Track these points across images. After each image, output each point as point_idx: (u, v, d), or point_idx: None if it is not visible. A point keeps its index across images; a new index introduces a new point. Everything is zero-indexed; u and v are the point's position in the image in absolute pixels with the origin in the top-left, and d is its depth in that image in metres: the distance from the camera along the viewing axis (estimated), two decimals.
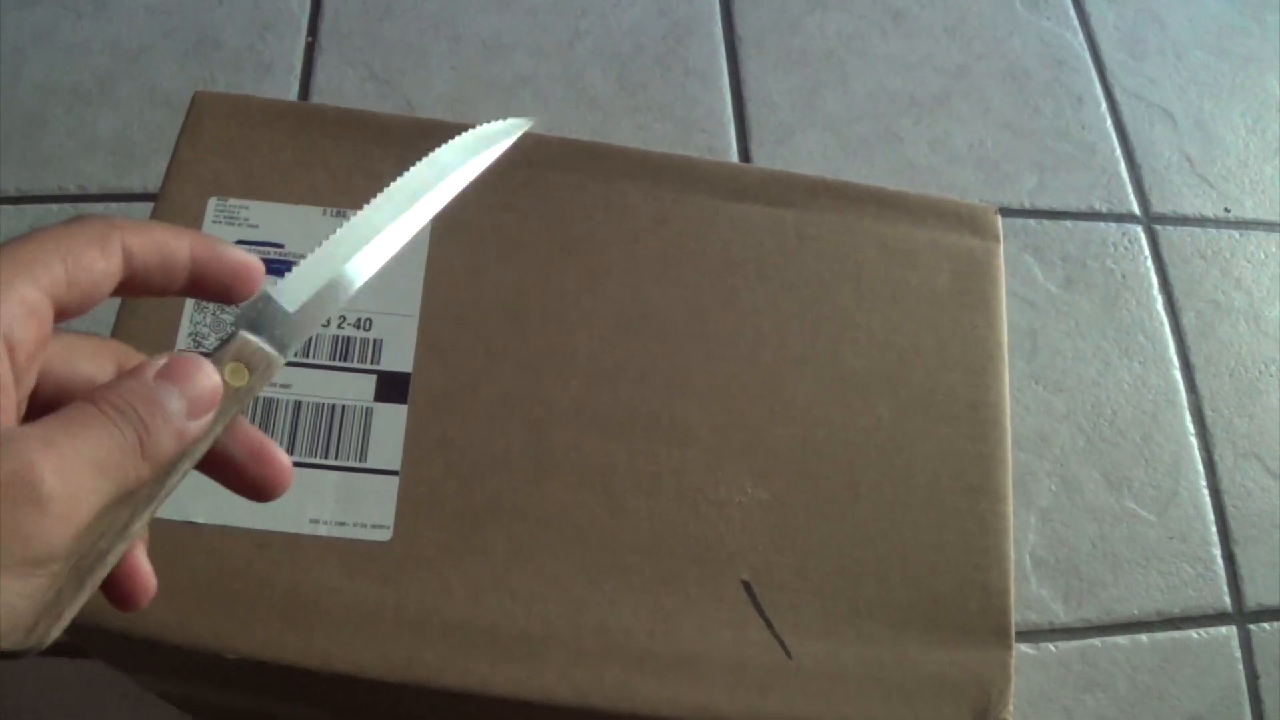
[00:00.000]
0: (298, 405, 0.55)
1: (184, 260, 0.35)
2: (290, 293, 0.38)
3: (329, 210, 0.59)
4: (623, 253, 0.60)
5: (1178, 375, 0.99)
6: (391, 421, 0.55)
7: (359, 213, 0.42)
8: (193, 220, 0.58)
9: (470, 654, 0.51)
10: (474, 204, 0.59)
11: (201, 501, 0.53)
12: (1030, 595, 0.89)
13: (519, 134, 0.47)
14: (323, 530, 0.53)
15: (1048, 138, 1.09)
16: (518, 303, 0.58)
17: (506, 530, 0.54)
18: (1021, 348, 0.98)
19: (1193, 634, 0.89)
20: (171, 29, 1.05)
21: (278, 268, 0.57)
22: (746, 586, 0.54)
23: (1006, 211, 1.04)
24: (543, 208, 0.61)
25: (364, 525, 0.53)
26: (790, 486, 0.56)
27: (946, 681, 0.53)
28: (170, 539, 0.52)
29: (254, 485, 0.38)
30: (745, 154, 1.05)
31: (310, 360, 0.56)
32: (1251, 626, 0.90)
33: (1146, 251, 1.05)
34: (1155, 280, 1.03)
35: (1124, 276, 1.03)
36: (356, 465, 0.54)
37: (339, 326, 0.57)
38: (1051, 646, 0.87)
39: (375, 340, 0.57)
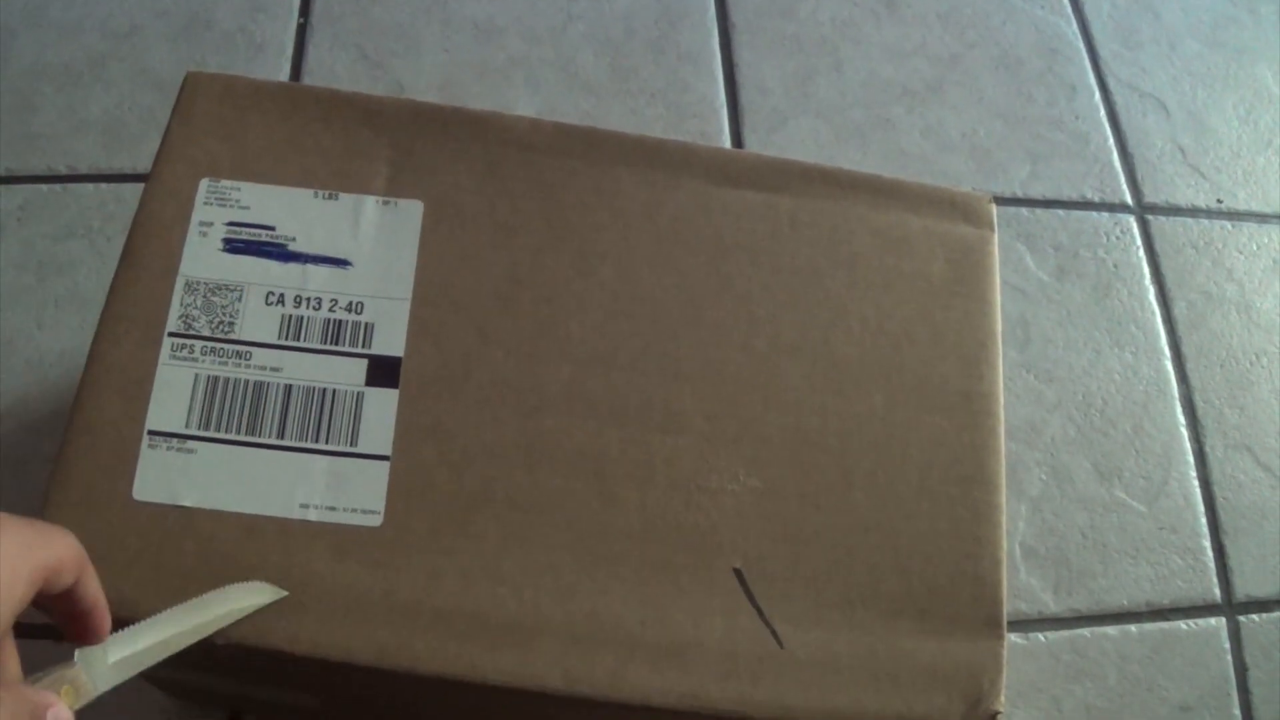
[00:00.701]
0: (288, 389, 0.55)
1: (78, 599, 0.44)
2: (115, 647, 0.46)
3: (320, 193, 0.59)
4: (616, 238, 0.60)
5: (1169, 366, 0.99)
6: (382, 406, 0.55)
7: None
8: (183, 200, 0.58)
9: (461, 641, 0.51)
10: (467, 188, 0.59)
11: (192, 485, 0.53)
12: (1020, 585, 0.89)
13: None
14: (313, 515, 0.53)
15: (1041, 127, 1.09)
16: (510, 288, 0.58)
17: (498, 517, 0.54)
18: (1013, 337, 0.98)
19: (1182, 625, 0.89)
20: (163, 9, 1.04)
21: (270, 250, 0.57)
22: (738, 575, 0.54)
23: (999, 200, 1.04)
24: (536, 193, 0.60)
25: (354, 510, 0.53)
26: (783, 475, 0.56)
27: (939, 671, 0.53)
28: (159, 523, 0.52)
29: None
30: (738, 139, 1.04)
31: (301, 344, 0.56)
32: (1240, 618, 0.90)
33: (1139, 241, 1.04)
34: (1147, 270, 1.03)
35: (1116, 266, 1.03)
36: (347, 450, 0.54)
37: (330, 310, 0.57)
38: (1041, 636, 0.87)
39: (367, 324, 0.56)
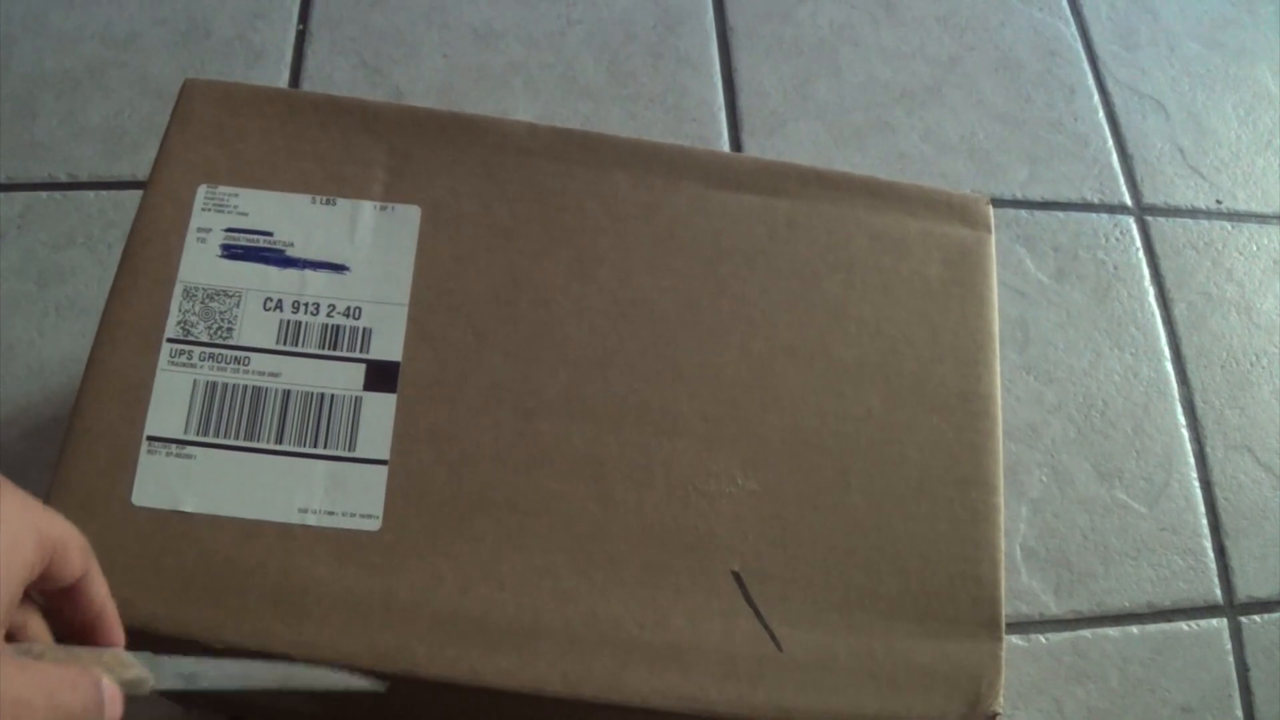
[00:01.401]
0: (286, 394, 0.55)
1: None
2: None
3: (318, 198, 0.59)
4: (613, 241, 0.60)
5: (1169, 367, 0.99)
6: (381, 411, 0.55)
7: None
8: (182, 207, 0.58)
9: (460, 644, 0.51)
10: (465, 193, 0.59)
11: (191, 490, 0.53)
12: (1021, 586, 0.89)
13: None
14: (312, 520, 0.53)
15: (1040, 128, 1.09)
16: (508, 291, 0.58)
17: (496, 520, 0.54)
18: (1013, 338, 0.98)
19: (1183, 626, 0.89)
20: (162, 17, 1.04)
21: (268, 255, 0.57)
22: (736, 577, 0.54)
23: (998, 202, 1.04)
24: (533, 196, 0.60)
25: (353, 515, 0.53)
26: (781, 477, 0.56)
27: (937, 673, 0.53)
28: (158, 528, 0.52)
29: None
30: (737, 143, 1.04)
31: (299, 349, 0.56)
32: (1242, 618, 0.90)
33: (1138, 243, 1.05)
34: (1147, 271, 1.03)
35: (1116, 268, 1.03)
36: (345, 455, 0.54)
37: (328, 315, 0.57)
38: (1042, 638, 0.87)
39: (365, 329, 0.57)
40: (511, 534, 0.54)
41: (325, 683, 0.49)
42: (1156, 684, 0.87)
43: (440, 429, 0.55)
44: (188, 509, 0.52)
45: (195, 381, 0.55)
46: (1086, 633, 0.88)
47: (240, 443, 0.54)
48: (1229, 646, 0.89)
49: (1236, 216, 1.07)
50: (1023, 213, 1.04)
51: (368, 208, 0.59)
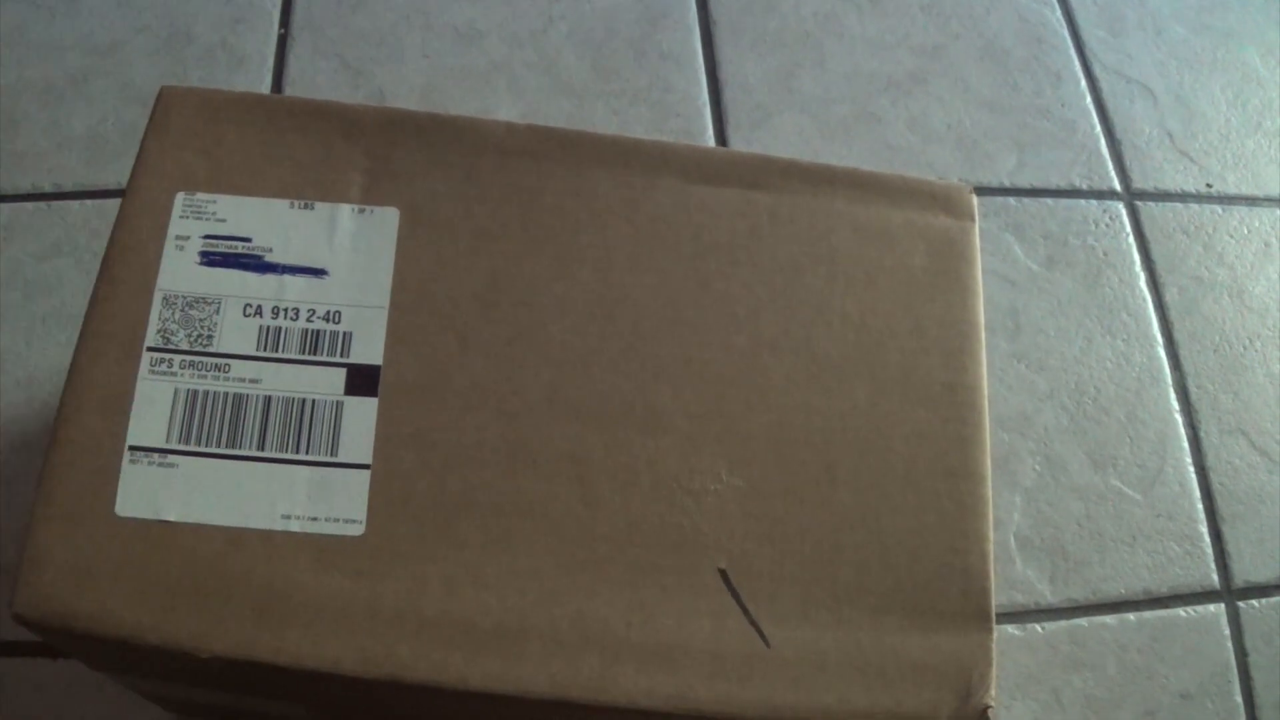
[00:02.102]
0: (267, 400, 0.55)
1: None
2: None
3: (296, 203, 0.59)
4: (593, 239, 0.59)
5: (1161, 352, 0.99)
6: (362, 415, 0.55)
7: None
8: (160, 215, 0.58)
9: (446, 648, 0.51)
10: (443, 194, 0.59)
11: (174, 500, 0.52)
12: (1016, 576, 0.88)
13: None
14: (295, 526, 0.53)
15: (1027, 115, 1.09)
16: (488, 292, 0.58)
17: (481, 523, 0.54)
18: (1003, 327, 0.98)
19: (1181, 612, 0.89)
20: (143, 24, 1.04)
21: (247, 262, 0.57)
22: (723, 575, 0.54)
23: (986, 190, 1.04)
24: (513, 197, 0.60)
25: (336, 520, 0.53)
26: (766, 473, 0.56)
27: (928, 666, 0.53)
28: (142, 538, 0.52)
29: None
30: (721, 137, 1.04)
31: (279, 355, 0.56)
32: (1240, 604, 0.89)
33: (1128, 228, 1.04)
34: (1137, 257, 1.03)
35: (1106, 254, 1.02)
36: (328, 460, 0.54)
37: (308, 320, 0.56)
38: (1038, 627, 0.87)
39: (344, 333, 0.56)
40: (496, 536, 0.53)
41: None
42: (1155, 671, 0.86)
43: (423, 432, 0.55)
44: (171, 518, 0.52)
45: (176, 390, 0.54)
46: (1083, 621, 0.88)
47: (222, 450, 0.54)
48: (1227, 632, 0.88)
49: (1227, 200, 1.07)
50: (1011, 200, 1.04)
51: (346, 211, 0.59)
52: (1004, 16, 1.15)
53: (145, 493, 0.52)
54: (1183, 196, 1.07)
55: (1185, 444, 0.95)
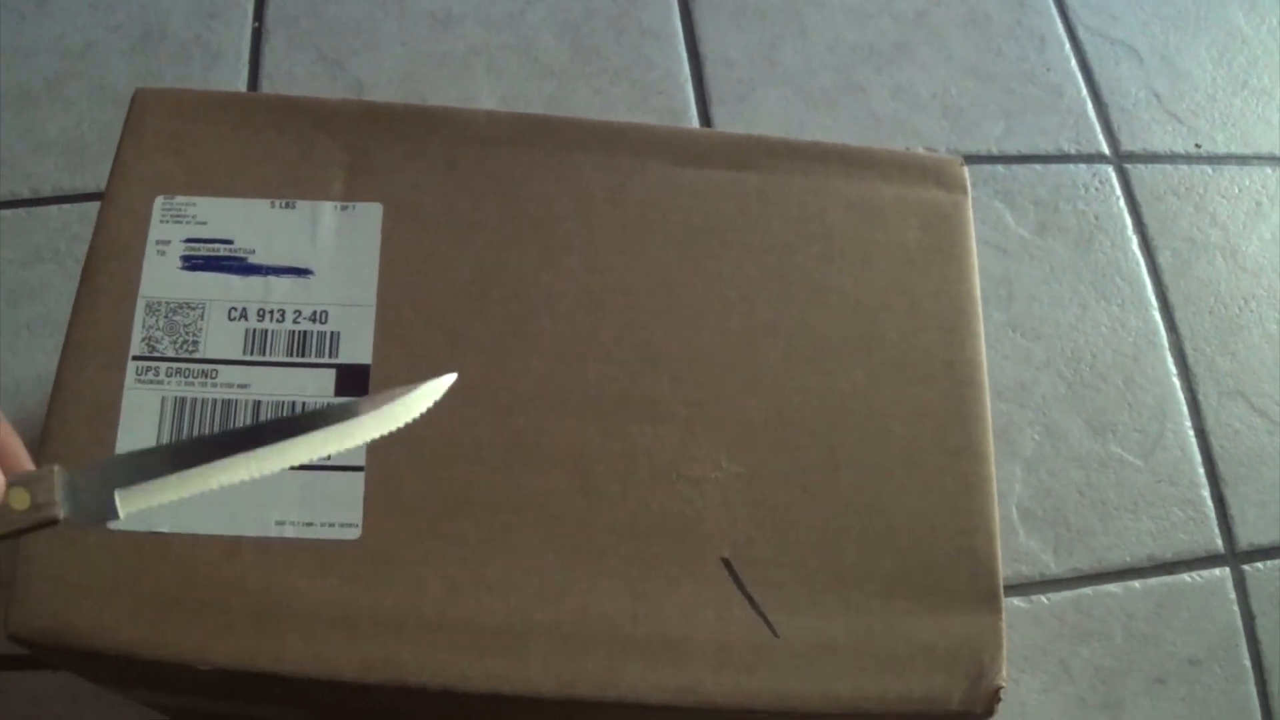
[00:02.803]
0: (257, 404, 0.54)
1: None
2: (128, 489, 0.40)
3: (277, 202, 0.58)
4: (580, 227, 0.58)
5: (1157, 316, 0.98)
6: None
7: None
8: (139, 220, 0.57)
9: (448, 650, 0.50)
10: (426, 187, 0.58)
11: (166, 510, 0.51)
12: (1020, 547, 0.88)
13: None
14: (290, 532, 0.52)
15: (1012, 81, 1.08)
16: (476, 286, 0.57)
17: (478, 520, 0.53)
18: (997, 296, 0.97)
19: (1186, 577, 0.88)
20: (116, 23, 1.03)
21: (229, 264, 0.56)
22: (727, 564, 0.53)
23: (975, 158, 1.03)
24: (496, 186, 0.59)
25: (332, 525, 0.52)
26: (766, 459, 0.55)
27: (938, 649, 0.52)
28: (137, 550, 0.51)
29: None
30: (705, 114, 1.03)
31: (267, 358, 0.55)
32: (1245, 567, 0.89)
33: (1118, 191, 1.03)
34: (1129, 220, 1.02)
35: (1097, 218, 1.02)
36: (320, 464, 0.53)
37: (295, 321, 0.55)
38: (1044, 598, 0.86)
39: (332, 333, 0.55)
40: (495, 533, 0.52)
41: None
42: (1162, 638, 0.86)
43: (415, 431, 0.54)
44: (164, 529, 0.51)
45: (164, 398, 0.53)
46: (1088, 590, 0.87)
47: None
48: (1233, 596, 0.88)
49: (1216, 159, 1.06)
50: (1000, 168, 1.03)
51: (328, 208, 0.58)
52: None
53: None
54: (1172, 158, 1.06)
55: (1184, 408, 0.95)
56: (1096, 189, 1.03)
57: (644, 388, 0.56)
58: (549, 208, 0.59)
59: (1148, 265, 1.00)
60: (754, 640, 0.51)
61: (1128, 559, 0.88)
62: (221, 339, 0.55)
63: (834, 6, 1.10)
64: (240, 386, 0.54)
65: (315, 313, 0.56)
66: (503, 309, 0.56)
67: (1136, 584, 0.88)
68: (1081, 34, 1.12)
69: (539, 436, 0.55)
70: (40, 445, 0.52)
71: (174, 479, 0.41)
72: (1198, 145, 1.07)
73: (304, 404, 0.54)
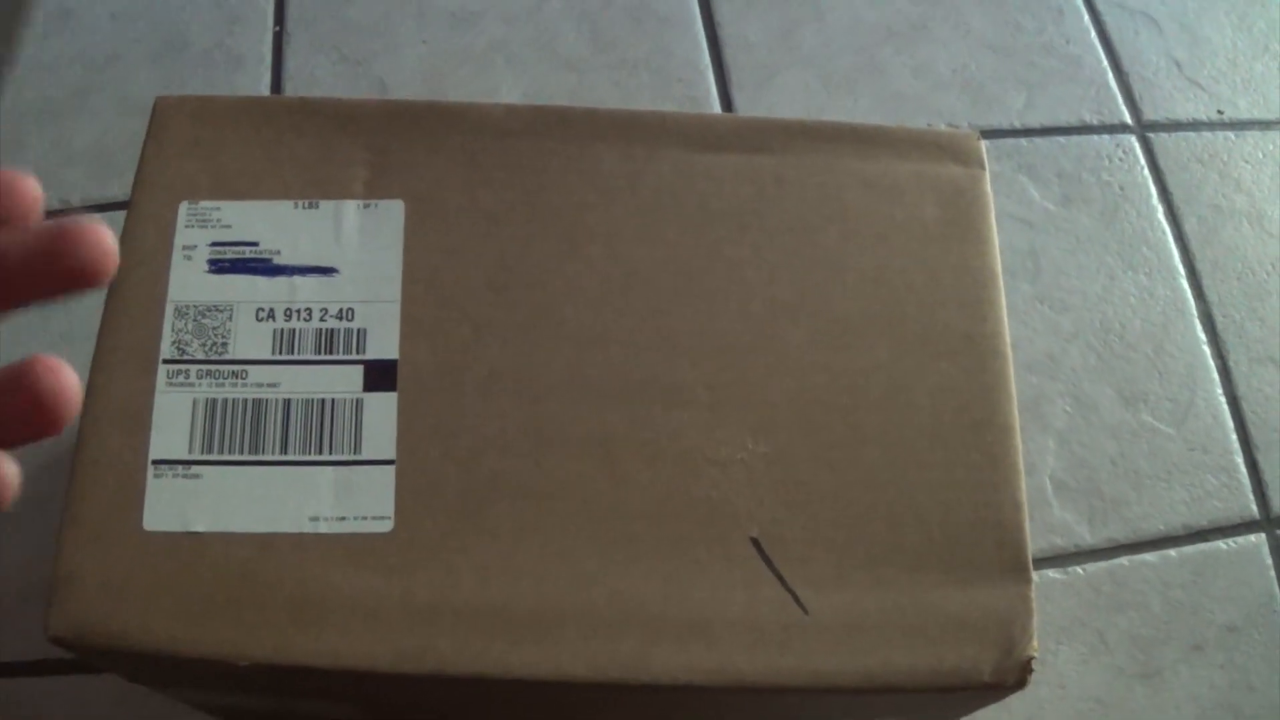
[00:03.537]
0: (287, 403, 0.54)
1: None
2: None
3: (300, 203, 0.58)
4: (600, 216, 0.59)
5: (1184, 284, 0.98)
6: (383, 410, 0.55)
7: None
8: (165, 226, 0.58)
9: (483, 638, 0.51)
10: (447, 182, 0.58)
11: (201, 510, 0.52)
12: (1054, 520, 0.88)
13: None
14: (324, 527, 0.52)
15: (1032, 54, 1.08)
16: (500, 277, 0.57)
17: (509, 509, 0.53)
18: (1024, 269, 0.97)
19: (1221, 545, 0.88)
20: (138, 34, 1.04)
21: (255, 266, 0.57)
22: (755, 544, 0.53)
23: (997, 132, 1.03)
24: (516, 179, 0.59)
25: (365, 518, 0.53)
26: (792, 438, 0.55)
27: (968, 622, 0.52)
28: (171, 550, 0.52)
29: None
30: (726, 99, 1.03)
31: (295, 357, 0.55)
32: None
33: (1142, 161, 1.03)
34: (1154, 189, 1.02)
35: (1122, 188, 1.01)
36: (352, 458, 0.54)
37: (321, 319, 0.56)
38: (1079, 570, 0.87)
39: (359, 330, 0.56)
40: (526, 522, 0.53)
41: None
42: (1199, 606, 0.86)
43: (444, 423, 0.55)
44: (199, 529, 0.52)
45: (195, 400, 0.54)
46: (1124, 560, 0.87)
47: (245, 457, 0.53)
48: (1269, 561, 0.88)
49: (1239, 125, 1.06)
50: (1023, 141, 1.03)
51: (351, 207, 0.58)
52: None
53: (172, 505, 0.52)
54: (1195, 125, 1.06)
55: (1215, 375, 0.95)
56: (1120, 159, 1.03)
57: (668, 372, 0.56)
58: (569, 198, 0.59)
59: (1174, 233, 1.00)
60: (784, 619, 0.52)
61: (1162, 528, 0.88)
62: (250, 340, 0.56)
63: None
64: (270, 386, 0.55)
65: (341, 310, 0.56)
66: (526, 299, 0.57)
67: (1172, 552, 0.88)
68: (1099, 4, 1.12)
69: (566, 425, 0.55)
70: (75, 452, 0.53)
71: None
72: (1220, 112, 1.06)
73: (333, 401, 0.55)
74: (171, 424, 0.54)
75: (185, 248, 0.57)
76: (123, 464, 0.53)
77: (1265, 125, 1.06)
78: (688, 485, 0.54)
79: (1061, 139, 1.03)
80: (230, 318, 0.56)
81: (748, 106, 1.02)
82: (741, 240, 0.59)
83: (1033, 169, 1.01)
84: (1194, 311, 0.97)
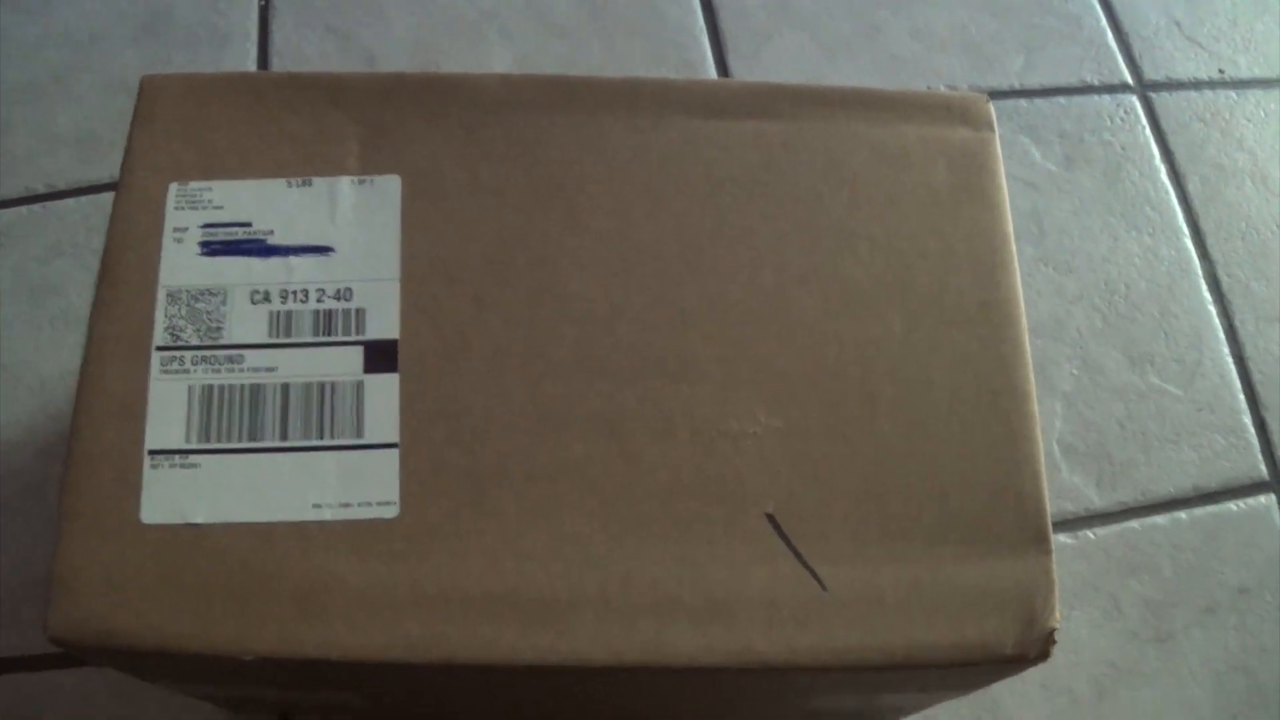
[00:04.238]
0: (285, 388, 0.53)
1: None
2: None
3: (293, 181, 0.57)
4: (604, 188, 0.57)
5: (1189, 244, 0.97)
6: (384, 392, 0.53)
7: None
8: (154, 209, 0.56)
9: (494, 625, 0.49)
10: (444, 156, 0.57)
11: (200, 501, 0.51)
12: (1063, 484, 0.87)
13: None
14: (327, 514, 0.51)
15: (1031, 14, 1.06)
16: (502, 253, 0.56)
17: (517, 492, 0.52)
18: (1027, 232, 0.96)
19: (1231, 506, 0.87)
20: (121, 11, 1.02)
21: (249, 247, 0.55)
22: (771, 520, 0.52)
23: (997, 94, 1.01)
24: (516, 151, 0.58)
25: (369, 504, 0.51)
26: (805, 411, 0.54)
27: (989, 595, 0.51)
28: (171, 544, 0.50)
29: None
30: (722, 65, 1.02)
31: (292, 339, 0.54)
32: None
33: (1144, 121, 1.02)
34: (1156, 149, 1.01)
35: (1124, 148, 1.00)
36: (353, 443, 0.52)
37: (318, 300, 0.55)
38: (1090, 534, 0.86)
39: (357, 310, 0.54)
40: (534, 504, 0.52)
41: None
42: (1211, 568, 0.85)
43: (448, 404, 0.53)
44: (199, 520, 0.51)
45: (190, 387, 0.53)
46: (1135, 524, 0.86)
47: (244, 445, 0.52)
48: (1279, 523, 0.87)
49: (1241, 84, 1.05)
50: (1023, 102, 1.02)
51: (345, 184, 0.57)
52: None
53: (170, 497, 0.51)
54: (1196, 84, 1.05)
55: (1221, 335, 0.94)
56: (1122, 119, 1.01)
57: (677, 347, 0.55)
58: (571, 169, 0.58)
59: (1177, 193, 0.99)
60: (803, 596, 0.51)
61: (1172, 490, 0.87)
62: (245, 323, 0.54)
63: None
64: (267, 370, 0.53)
65: (339, 290, 0.55)
66: (529, 275, 0.56)
67: (1183, 515, 0.87)
68: None
69: (573, 403, 0.54)
70: (69, 445, 0.52)
71: None
72: (1221, 71, 1.05)
73: (333, 384, 0.53)
74: (167, 413, 0.52)
75: (176, 230, 0.56)
76: (118, 455, 0.51)
77: (1267, 84, 1.05)
78: (700, 462, 0.53)
79: (1062, 100, 1.02)
80: (224, 301, 0.54)
81: (744, 71, 1.01)
82: (750, 209, 0.57)
83: (1034, 130, 1.00)
84: (1199, 271, 0.96)
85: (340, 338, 0.54)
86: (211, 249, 0.55)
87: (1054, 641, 0.51)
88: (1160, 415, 0.90)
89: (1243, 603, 0.85)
